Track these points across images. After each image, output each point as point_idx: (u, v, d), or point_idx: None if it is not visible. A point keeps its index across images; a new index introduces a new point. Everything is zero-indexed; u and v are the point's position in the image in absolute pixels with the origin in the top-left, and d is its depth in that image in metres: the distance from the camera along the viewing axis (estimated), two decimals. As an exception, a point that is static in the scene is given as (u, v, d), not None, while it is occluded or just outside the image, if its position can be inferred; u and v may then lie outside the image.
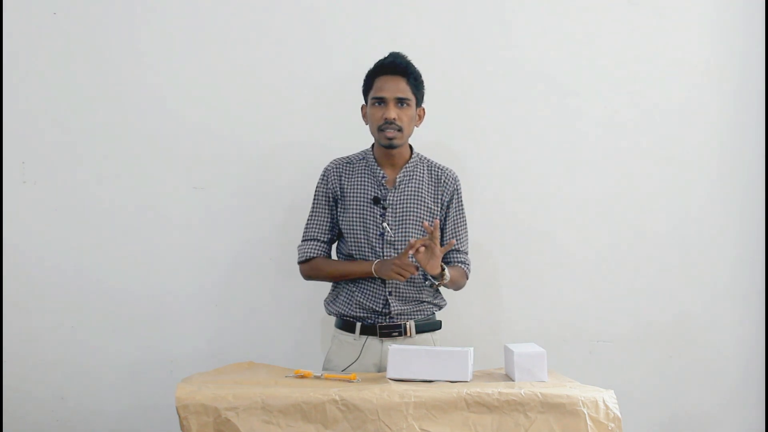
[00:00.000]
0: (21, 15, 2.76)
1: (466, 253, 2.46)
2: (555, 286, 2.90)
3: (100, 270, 2.78)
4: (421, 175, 2.42)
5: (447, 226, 2.43)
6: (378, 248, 2.36)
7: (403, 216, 2.37)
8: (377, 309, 2.35)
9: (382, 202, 2.37)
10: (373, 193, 2.38)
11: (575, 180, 2.91)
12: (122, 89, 2.79)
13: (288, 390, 1.89)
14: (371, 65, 2.40)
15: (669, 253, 2.93)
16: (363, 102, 2.44)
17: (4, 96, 2.76)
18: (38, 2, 2.77)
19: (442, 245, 2.32)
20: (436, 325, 2.44)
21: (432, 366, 2.03)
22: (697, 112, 2.95)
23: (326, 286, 2.57)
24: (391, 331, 2.35)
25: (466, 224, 2.47)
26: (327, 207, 2.43)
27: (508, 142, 2.90)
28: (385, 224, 2.36)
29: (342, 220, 2.41)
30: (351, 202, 2.39)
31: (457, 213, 2.45)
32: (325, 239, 2.43)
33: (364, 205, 2.38)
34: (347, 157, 2.46)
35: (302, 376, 2.07)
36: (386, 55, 2.37)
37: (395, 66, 2.33)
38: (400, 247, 2.35)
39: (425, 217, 2.38)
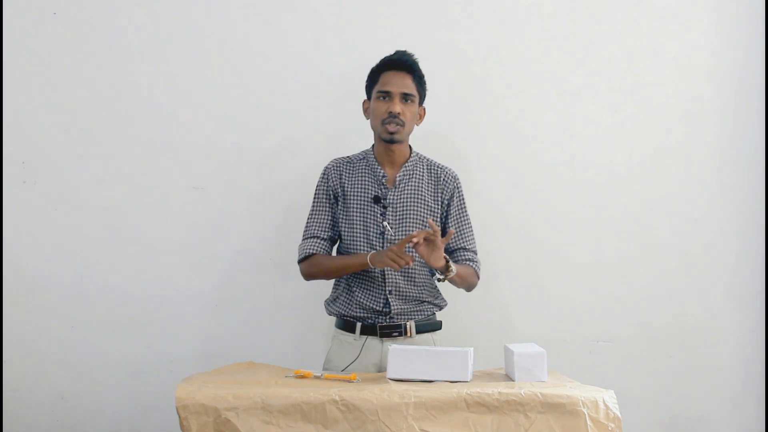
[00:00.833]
0: (21, 15, 2.76)
1: (475, 252, 2.46)
2: (555, 286, 2.90)
3: (100, 270, 2.78)
4: (421, 173, 2.43)
5: (450, 226, 2.43)
6: (378, 247, 2.36)
7: (403, 215, 2.37)
8: (377, 308, 2.35)
9: (382, 201, 2.37)
10: (373, 192, 2.39)
11: (575, 180, 2.91)
12: (122, 89, 2.79)
13: (288, 390, 1.88)
14: (372, 65, 2.41)
15: (669, 254, 2.93)
16: (363, 100, 2.46)
17: (4, 96, 2.76)
18: (38, 2, 2.77)
19: (446, 245, 2.35)
20: (436, 326, 2.44)
21: (432, 366, 2.03)
22: (697, 113, 2.95)
23: (326, 287, 2.57)
24: (392, 331, 2.35)
25: (470, 223, 2.47)
26: (327, 204, 2.43)
27: (507, 143, 2.90)
28: (385, 223, 2.36)
29: (342, 219, 2.41)
30: (351, 201, 2.39)
31: (460, 212, 2.45)
32: (326, 236, 2.43)
33: (364, 204, 2.38)
34: (347, 156, 2.47)
35: (302, 376, 2.07)
36: (392, 53, 2.40)
37: (402, 62, 2.36)
38: (400, 245, 2.35)
39: (425, 215, 2.39)
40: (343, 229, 2.42)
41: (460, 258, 2.43)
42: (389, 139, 2.34)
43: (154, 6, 2.80)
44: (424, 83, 2.41)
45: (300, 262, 2.44)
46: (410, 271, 2.37)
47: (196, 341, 2.80)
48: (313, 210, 2.45)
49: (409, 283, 2.36)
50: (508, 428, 1.85)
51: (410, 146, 2.45)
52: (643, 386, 2.89)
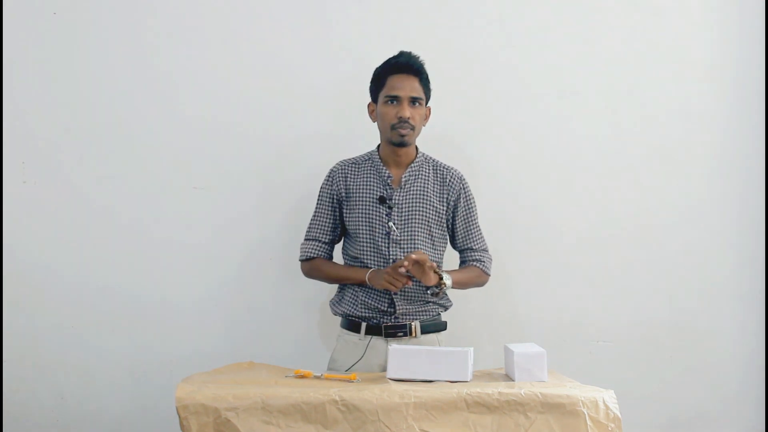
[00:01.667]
0: (21, 15, 2.76)
1: (484, 250, 2.47)
2: (555, 286, 2.90)
3: (100, 270, 2.78)
4: (427, 174, 2.43)
5: (458, 227, 2.44)
6: (384, 248, 2.36)
7: (408, 215, 2.37)
8: (383, 308, 2.35)
9: (387, 201, 2.37)
10: (378, 193, 2.39)
11: (575, 181, 2.91)
12: (122, 89, 2.79)
13: (288, 390, 1.88)
14: (374, 65, 2.41)
15: (669, 253, 2.93)
16: (366, 101, 2.45)
17: (4, 96, 2.76)
18: (38, 2, 2.77)
19: (454, 245, 2.45)
20: (441, 326, 2.44)
21: (432, 366, 2.03)
22: (697, 112, 2.95)
23: (327, 287, 2.57)
24: (397, 331, 2.35)
25: (478, 223, 2.48)
26: (330, 208, 2.44)
27: (507, 143, 2.90)
28: (390, 223, 2.36)
29: (348, 220, 2.41)
30: (357, 202, 2.40)
31: (468, 212, 2.45)
32: (326, 240, 2.45)
33: (369, 205, 2.39)
34: (353, 158, 2.47)
35: (302, 376, 2.07)
36: (396, 54, 2.39)
37: (410, 66, 2.36)
38: (405, 246, 2.36)
39: (431, 215, 2.39)
40: (349, 229, 2.42)
41: (467, 258, 2.44)
42: (400, 142, 2.35)
43: (155, 6, 2.80)
44: (429, 84, 2.41)
45: (301, 261, 2.47)
46: None
47: (196, 341, 2.80)
48: (315, 212, 2.47)
49: (414, 283, 2.36)
50: (508, 428, 1.85)
51: (416, 147, 2.45)
52: (643, 386, 2.89)
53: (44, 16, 2.77)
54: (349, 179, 2.43)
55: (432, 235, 2.40)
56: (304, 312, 2.83)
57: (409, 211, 2.38)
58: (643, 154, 2.93)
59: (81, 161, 2.79)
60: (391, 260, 2.35)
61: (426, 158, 2.46)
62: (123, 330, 2.78)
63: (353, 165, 2.45)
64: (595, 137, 2.92)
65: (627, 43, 2.93)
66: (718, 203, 2.96)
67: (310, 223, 2.47)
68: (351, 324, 2.40)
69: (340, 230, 2.46)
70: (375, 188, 2.40)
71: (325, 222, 2.44)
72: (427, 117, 2.44)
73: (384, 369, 2.30)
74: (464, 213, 2.45)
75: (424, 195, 2.40)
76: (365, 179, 2.41)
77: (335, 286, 2.51)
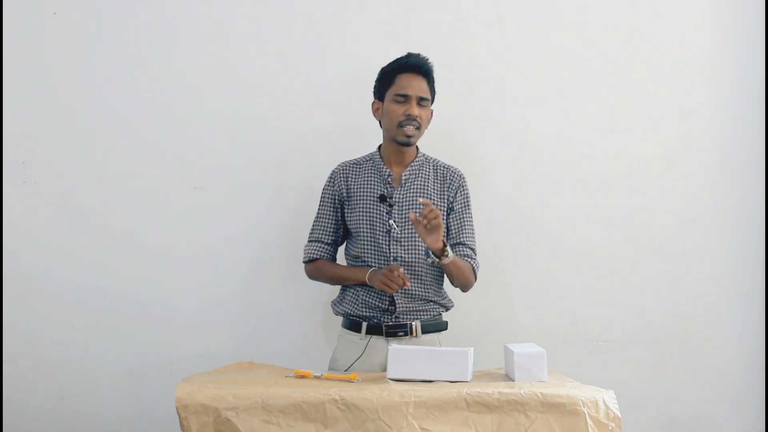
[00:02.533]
0: (21, 15, 2.76)
1: (473, 250, 2.44)
2: (555, 286, 2.90)
3: (100, 270, 2.78)
4: (427, 173, 2.43)
5: (452, 223, 2.43)
6: (384, 246, 2.36)
7: (409, 213, 2.37)
8: (383, 307, 2.35)
9: (388, 199, 2.38)
10: (379, 191, 2.39)
11: (575, 180, 2.91)
12: (122, 89, 2.79)
13: (288, 390, 1.89)
14: (376, 66, 2.41)
15: (669, 253, 2.93)
16: (366, 102, 2.46)
17: (4, 96, 2.76)
18: (38, 2, 2.77)
19: (445, 236, 2.34)
20: (442, 326, 2.44)
21: (432, 366, 2.03)
22: (697, 112, 2.95)
23: (327, 287, 2.57)
24: (397, 330, 2.35)
25: (472, 222, 2.46)
26: (332, 209, 2.45)
27: (507, 143, 2.90)
28: (391, 221, 2.36)
29: (349, 219, 2.42)
30: (358, 201, 2.41)
31: (462, 209, 2.45)
32: (329, 241, 2.45)
33: (370, 203, 2.39)
34: (355, 159, 2.48)
35: (302, 376, 2.07)
36: (405, 54, 2.40)
37: (420, 66, 2.38)
38: (406, 244, 2.36)
39: None
40: (350, 228, 2.43)
41: (458, 253, 2.43)
42: (405, 142, 2.36)
43: (155, 6, 2.80)
44: (435, 87, 2.43)
45: (305, 263, 2.48)
46: (417, 269, 2.37)
47: (196, 341, 2.79)
48: (318, 214, 2.48)
49: (416, 281, 2.36)
50: (509, 428, 1.85)
51: (417, 146, 2.45)
52: (643, 386, 2.89)
53: (44, 16, 2.77)
54: (350, 179, 2.43)
55: None
56: (306, 312, 2.83)
57: (409, 208, 2.38)
58: (643, 154, 2.93)
59: (81, 161, 2.78)
60: (392, 258, 2.35)
61: (426, 158, 2.47)
62: (123, 330, 2.78)
63: (354, 165, 2.46)
64: (595, 137, 2.92)
65: (627, 43, 2.93)
66: (718, 203, 2.96)
67: (313, 225, 2.48)
68: (352, 324, 2.40)
69: (342, 231, 2.47)
70: (376, 187, 2.40)
71: (328, 223, 2.45)
72: (429, 119, 2.45)
73: (384, 368, 2.31)
74: (460, 208, 2.44)
75: (424, 193, 2.40)
76: (366, 178, 2.42)
77: (337, 287, 2.51)
